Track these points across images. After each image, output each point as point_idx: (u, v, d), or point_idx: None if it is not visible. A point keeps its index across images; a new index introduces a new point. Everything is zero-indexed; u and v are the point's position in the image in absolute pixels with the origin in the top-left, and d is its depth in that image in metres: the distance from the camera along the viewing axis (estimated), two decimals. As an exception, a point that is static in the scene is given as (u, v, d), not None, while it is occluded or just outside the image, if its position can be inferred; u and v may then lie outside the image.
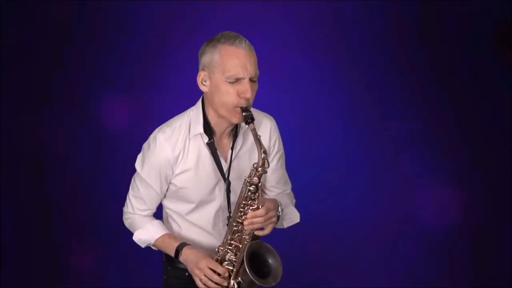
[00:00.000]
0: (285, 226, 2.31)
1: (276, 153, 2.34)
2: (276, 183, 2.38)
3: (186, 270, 2.24)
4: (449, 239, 3.80)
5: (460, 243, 3.81)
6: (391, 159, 3.81)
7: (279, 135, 2.36)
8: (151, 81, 3.68)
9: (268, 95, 3.56)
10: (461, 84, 3.76)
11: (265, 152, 2.07)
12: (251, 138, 2.14)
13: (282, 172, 2.40)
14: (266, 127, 2.29)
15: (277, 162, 2.35)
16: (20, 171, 3.65)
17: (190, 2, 3.64)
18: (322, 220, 3.76)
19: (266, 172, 2.10)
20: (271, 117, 2.35)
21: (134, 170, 2.30)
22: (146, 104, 3.66)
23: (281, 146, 2.37)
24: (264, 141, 2.20)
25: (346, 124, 3.79)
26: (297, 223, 2.37)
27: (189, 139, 2.19)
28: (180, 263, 2.25)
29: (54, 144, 3.66)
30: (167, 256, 2.32)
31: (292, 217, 2.33)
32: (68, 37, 3.62)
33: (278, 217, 2.20)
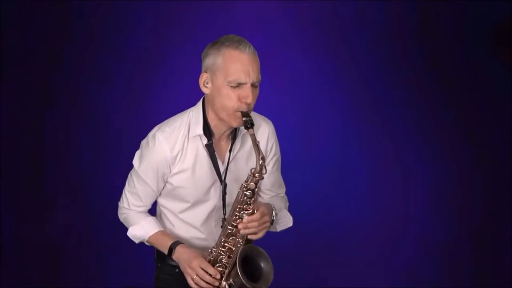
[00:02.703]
0: (278, 230, 2.33)
1: (273, 157, 2.35)
2: (271, 186, 2.38)
3: (176, 266, 2.25)
4: (449, 239, 3.80)
5: (460, 243, 3.81)
6: (391, 159, 3.81)
7: (277, 139, 2.36)
8: (151, 81, 3.68)
9: (268, 95, 3.57)
10: (461, 84, 3.76)
11: (263, 158, 2.07)
12: (249, 141, 2.15)
13: (278, 175, 2.41)
14: (264, 131, 2.30)
15: (273, 166, 2.36)
16: (20, 171, 3.65)
17: (190, 2, 3.64)
18: (322, 220, 3.76)
19: (263, 178, 2.10)
20: (269, 121, 2.35)
21: (133, 168, 2.30)
22: (146, 104, 3.66)
23: (278, 150, 2.37)
24: (262, 144, 2.20)
25: (346, 124, 3.79)
26: (296, 223, 2.38)
27: (188, 139, 2.19)
28: (171, 259, 2.26)
29: (54, 144, 3.66)
30: (158, 253, 2.33)
31: (285, 221, 2.34)
32: (68, 37, 3.62)
33: (272, 221, 2.21)
